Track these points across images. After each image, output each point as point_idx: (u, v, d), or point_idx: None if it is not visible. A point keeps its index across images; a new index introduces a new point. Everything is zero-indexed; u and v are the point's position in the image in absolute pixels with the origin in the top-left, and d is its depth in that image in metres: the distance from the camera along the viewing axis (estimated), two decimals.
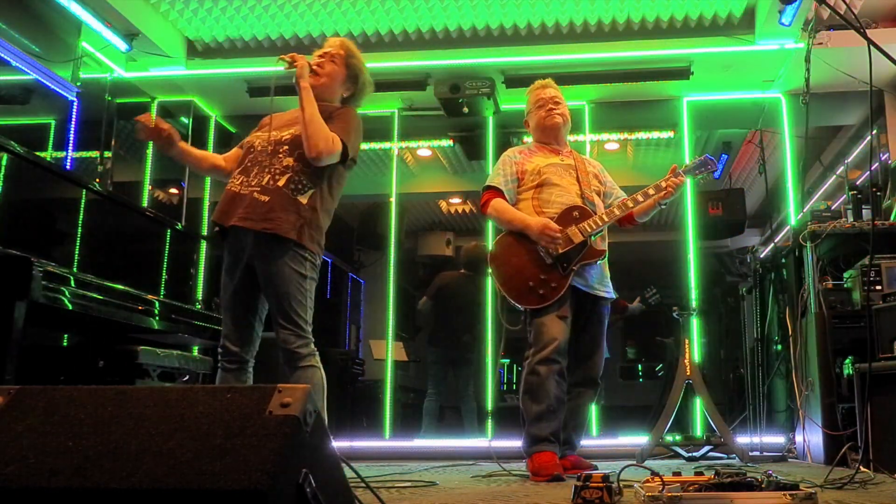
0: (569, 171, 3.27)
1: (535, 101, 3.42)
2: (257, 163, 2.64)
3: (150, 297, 3.86)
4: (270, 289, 2.57)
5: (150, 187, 5.57)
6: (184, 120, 5.84)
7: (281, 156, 2.61)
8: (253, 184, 2.59)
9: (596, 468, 3.03)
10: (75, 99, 4.77)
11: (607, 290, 3.27)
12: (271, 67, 2.64)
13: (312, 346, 2.59)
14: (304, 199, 2.60)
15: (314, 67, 2.72)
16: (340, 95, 2.81)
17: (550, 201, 3.19)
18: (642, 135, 6.17)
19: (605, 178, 3.43)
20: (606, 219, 3.14)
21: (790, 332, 4.08)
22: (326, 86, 2.74)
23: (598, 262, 3.18)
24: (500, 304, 3.23)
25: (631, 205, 3.18)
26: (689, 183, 5.64)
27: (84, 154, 5.15)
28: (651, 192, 3.18)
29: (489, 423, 5.40)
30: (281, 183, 2.57)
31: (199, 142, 5.88)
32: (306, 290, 2.58)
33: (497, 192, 3.27)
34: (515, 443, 3.28)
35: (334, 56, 2.78)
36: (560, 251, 3.07)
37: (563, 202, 3.17)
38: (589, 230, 3.10)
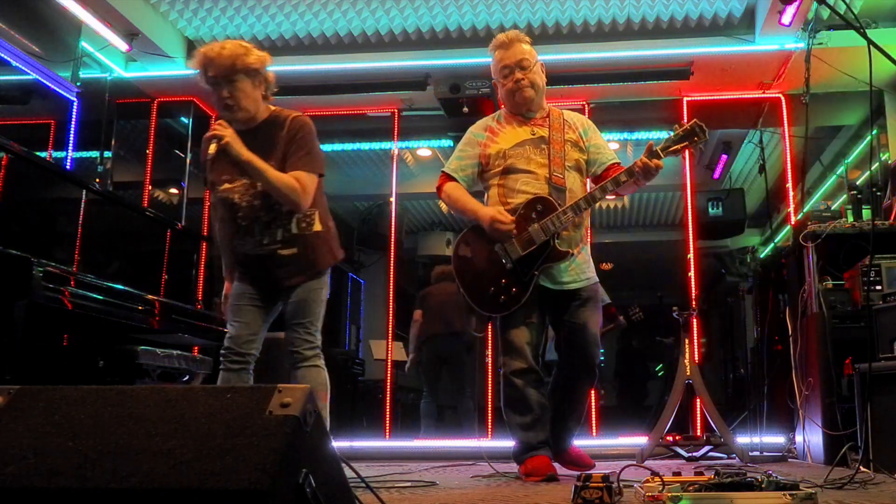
0: (539, 149, 2.95)
1: (498, 67, 3.01)
2: (255, 220, 2.63)
3: (150, 297, 3.86)
4: (292, 302, 2.68)
5: (150, 187, 5.57)
6: (184, 120, 5.84)
7: (276, 206, 2.62)
8: (266, 242, 2.63)
9: (594, 465, 3.01)
10: (75, 99, 4.77)
11: (586, 278, 2.99)
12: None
13: (318, 349, 2.68)
14: (317, 227, 2.69)
15: (225, 103, 2.58)
16: (261, 97, 2.66)
17: (516, 190, 2.92)
18: (642, 135, 6.17)
19: (590, 140, 3.05)
20: (571, 214, 2.83)
21: (790, 332, 4.08)
22: (248, 105, 2.61)
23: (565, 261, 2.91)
24: (465, 309, 2.99)
25: (599, 195, 2.88)
26: (688, 183, 5.71)
27: (84, 154, 5.16)
28: (623, 178, 2.82)
29: (488, 422, 5.40)
30: (295, 229, 2.64)
31: (200, 142, 5.87)
32: (322, 299, 2.71)
33: (451, 178, 3.05)
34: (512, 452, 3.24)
35: (227, 75, 2.55)
36: (522, 253, 2.86)
37: (529, 191, 2.90)
38: (552, 228, 2.83)
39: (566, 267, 2.94)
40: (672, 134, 2.87)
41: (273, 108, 2.73)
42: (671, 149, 2.84)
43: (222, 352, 2.69)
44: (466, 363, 6.10)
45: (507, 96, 3.03)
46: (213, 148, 2.50)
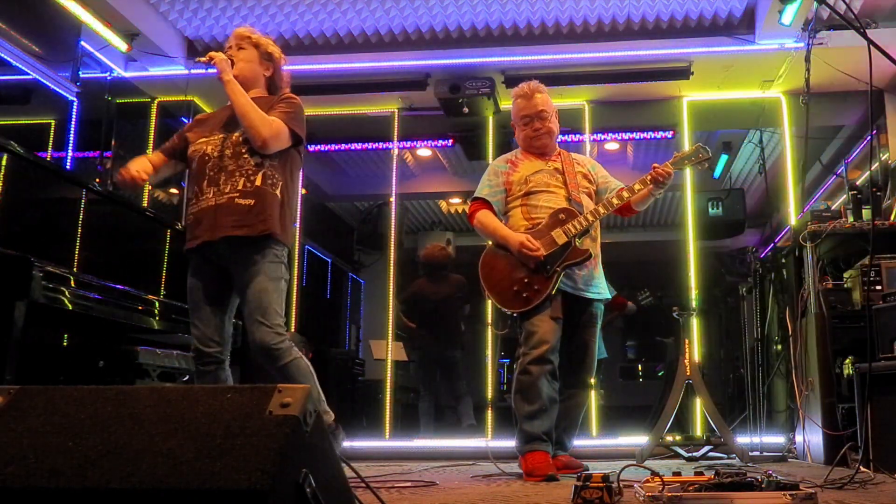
0: (555, 176, 3.24)
1: (519, 115, 3.33)
2: (222, 169, 2.63)
3: (150, 297, 3.86)
4: (249, 289, 2.58)
5: (150, 187, 5.57)
6: (184, 120, 5.84)
7: (246, 156, 2.63)
8: (227, 191, 2.60)
9: (587, 468, 3.03)
10: (75, 99, 4.77)
11: (598, 292, 3.24)
12: (192, 68, 2.75)
13: (288, 340, 2.61)
14: (278, 192, 2.65)
15: (229, 59, 2.76)
16: (262, 76, 2.83)
17: (539, 206, 3.18)
18: (642, 135, 6.17)
19: (597, 174, 3.38)
20: (591, 218, 3.12)
21: (790, 332, 4.08)
22: (247, 69, 2.78)
23: (585, 263, 3.13)
24: (491, 309, 3.23)
25: (616, 202, 3.14)
26: (688, 183, 5.71)
27: (84, 154, 5.15)
28: (637, 187, 3.14)
29: (488, 422, 5.39)
30: (258, 182, 2.61)
31: None
32: (282, 290, 2.64)
33: (484, 203, 3.28)
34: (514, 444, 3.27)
35: (240, 43, 2.82)
36: (544, 254, 3.06)
37: (551, 206, 3.16)
38: (573, 231, 3.08)
39: (586, 277, 3.18)
40: (680, 153, 3.26)
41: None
42: (677, 163, 3.19)
43: (192, 355, 2.67)
44: (460, 363, 6.13)
45: (524, 140, 3.35)
46: (203, 60, 2.69)
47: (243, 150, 2.63)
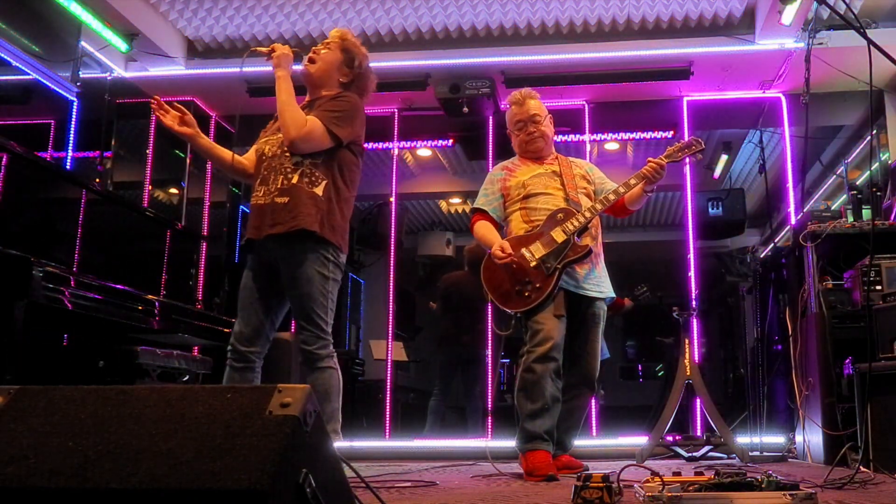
0: (553, 178, 3.28)
1: (513, 121, 3.39)
2: (272, 168, 2.66)
3: (150, 297, 3.86)
4: (293, 290, 2.61)
5: (150, 187, 5.57)
6: None
7: (287, 154, 2.64)
8: (272, 190, 2.62)
9: (587, 468, 3.03)
10: (75, 99, 4.77)
11: (600, 291, 3.24)
12: (250, 59, 2.74)
13: (331, 347, 2.66)
14: (319, 191, 2.63)
15: (311, 55, 2.75)
16: (338, 81, 2.79)
17: (537, 209, 3.21)
18: (642, 135, 6.17)
19: (594, 175, 3.41)
20: (589, 215, 3.14)
21: (790, 332, 4.08)
22: (323, 70, 2.76)
23: (585, 260, 3.15)
24: (492, 310, 3.23)
25: (613, 198, 3.18)
26: (688, 183, 5.71)
27: (84, 154, 5.15)
28: (633, 181, 3.16)
29: (489, 424, 5.40)
30: (295, 180, 2.61)
31: None
32: (328, 291, 2.64)
33: (482, 214, 3.33)
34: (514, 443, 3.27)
35: (329, 43, 2.80)
36: (544, 251, 3.08)
37: (549, 208, 3.20)
38: (571, 228, 3.11)
39: (588, 275, 3.19)
40: (672, 146, 3.25)
41: None
42: (672, 155, 3.20)
43: (228, 349, 2.69)
44: (481, 363, 6.07)
45: (520, 145, 3.41)
46: (263, 51, 2.67)
47: (286, 149, 2.64)
